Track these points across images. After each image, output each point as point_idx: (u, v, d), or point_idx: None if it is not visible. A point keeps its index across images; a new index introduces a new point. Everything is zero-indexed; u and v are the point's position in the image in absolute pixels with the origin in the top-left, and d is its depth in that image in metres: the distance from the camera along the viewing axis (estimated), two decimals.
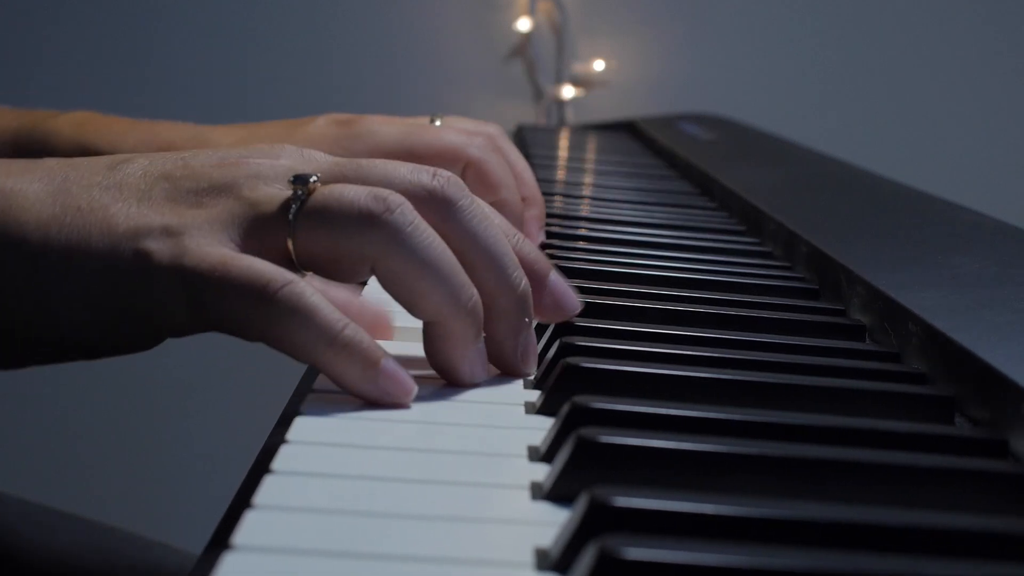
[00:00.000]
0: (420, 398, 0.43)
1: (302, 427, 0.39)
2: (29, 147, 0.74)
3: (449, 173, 0.45)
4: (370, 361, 0.41)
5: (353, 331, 0.41)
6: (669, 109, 1.66)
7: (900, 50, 1.85)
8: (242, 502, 0.33)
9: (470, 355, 0.44)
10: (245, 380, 1.79)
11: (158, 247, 0.42)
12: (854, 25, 1.86)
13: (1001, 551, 0.31)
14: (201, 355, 1.82)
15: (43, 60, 1.79)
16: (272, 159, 0.45)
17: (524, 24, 1.81)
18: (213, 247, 0.42)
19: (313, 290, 0.41)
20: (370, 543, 0.31)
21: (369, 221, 0.42)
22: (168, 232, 0.43)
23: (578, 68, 1.81)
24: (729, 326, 0.52)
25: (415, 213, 0.43)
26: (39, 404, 1.87)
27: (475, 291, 0.44)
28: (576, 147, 1.36)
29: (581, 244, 0.69)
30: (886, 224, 0.72)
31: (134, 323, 0.44)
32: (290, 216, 0.43)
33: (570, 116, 1.81)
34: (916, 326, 0.47)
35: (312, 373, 0.46)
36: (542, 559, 0.31)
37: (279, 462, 0.36)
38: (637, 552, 0.28)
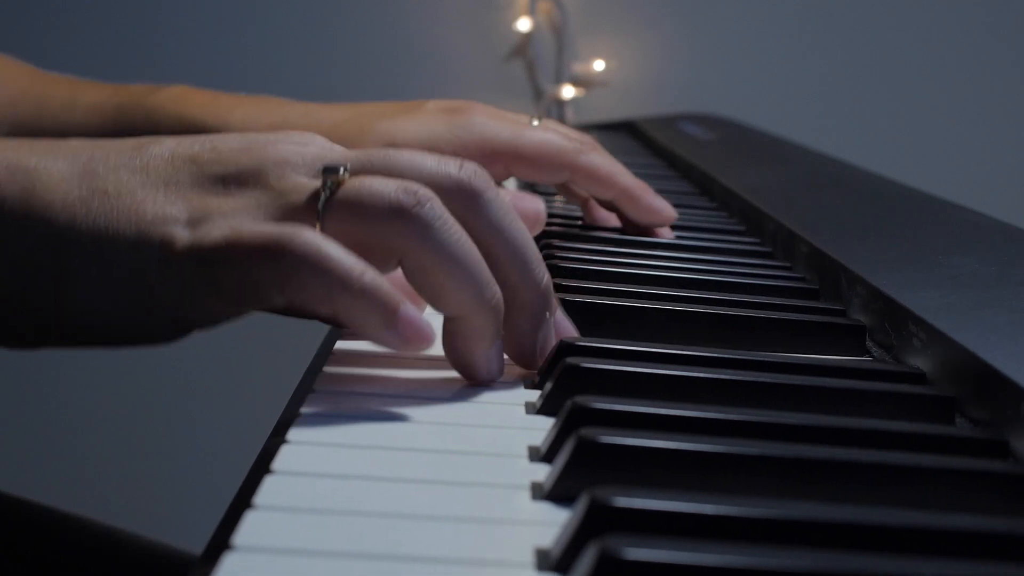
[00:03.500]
0: (420, 398, 0.43)
1: (302, 428, 0.39)
2: (132, 124, 0.74)
3: (476, 165, 0.45)
4: (390, 307, 0.41)
5: (371, 276, 0.41)
6: (669, 109, 1.66)
7: (900, 50, 1.85)
8: (242, 502, 0.33)
9: (489, 352, 0.44)
10: (245, 380, 1.79)
11: (182, 234, 0.42)
12: (854, 25, 1.85)
13: (1001, 551, 0.31)
14: (202, 355, 1.82)
15: (43, 60, 1.79)
16: (300, 146, 0.45)
17: (524, 24, 1.81)
18: (228, 227, 0.42)
19: (328, 238, 0.41)
20: (370, 543, 0.31)
21: (399, 214, 0.42)
22: (193, 221, 0.42)
23: (578, 68, 1.81)
24: (729, 326, 0.52)
25: (444, 208, 0.43)
26: (39, 404, 1.87)
27: (498, 289, 0.44)
28: None
29: (581, 244, 0.69)
30: (886, 224, 0.72)
31: (157, 312, 0.43)
32: (319, 207, 0.42)
33: (570, 116, 1.81)
34: (916, 326, 0.47)
35: (312, 373, 0.46)
36: (542, 559, 0.31)
37: (279, 462, 0.36)
38: (637, 552, 0.28)
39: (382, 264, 0.43)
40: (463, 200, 0.44)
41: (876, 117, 1.85)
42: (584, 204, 0.76)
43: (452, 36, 1.83)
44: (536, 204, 0.60)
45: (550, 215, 0.78)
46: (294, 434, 0.38)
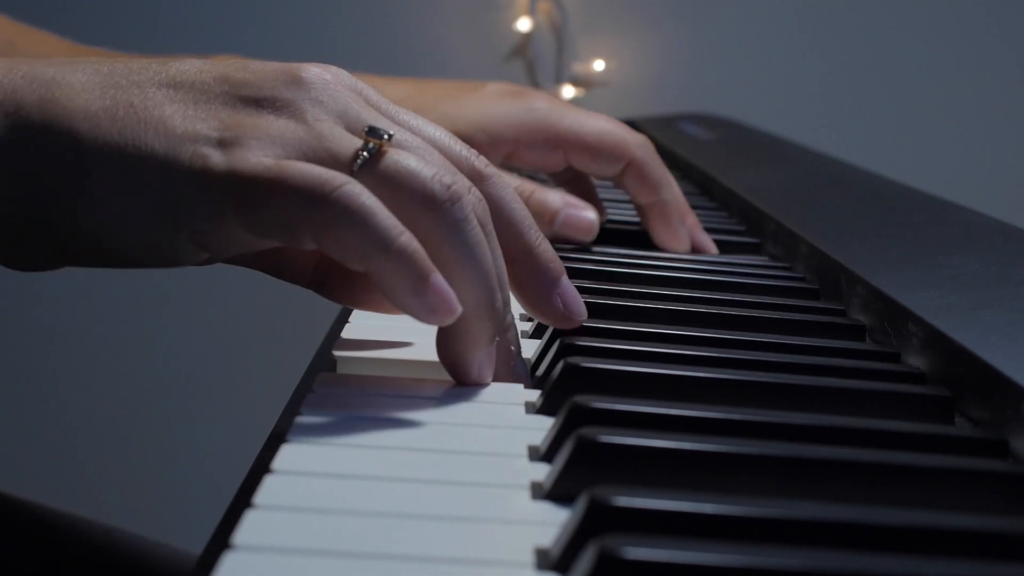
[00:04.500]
0: (420, 398, 0.43)
1: (302, 427, 0.39)
2: None
3: (478, 153, 0.46)
4: (422, 273, 0.40)
5: (408, 239, 0.40)
6: (669, 109, 1.66)
7: (900, 50, 1.85)
8: (242, 502, 0.33)
9: (483, 355, 0.44)
10: (245, 380, 1.79)
11: (215, 154, 0.41)
12: (854, 25, 1.86)
13: (1001, 551, 0.31)
14: (202, 355, 1.82)
15: None
16: (338, 96, 0.43)
17: (524, 24, 1.81)
18: (269, 157, 0.41)
19: (371, 193, 0.40)
20: (370, 543, 0.31)
21: (429, 202, 0.42)
22: (225, 141, 0.41)
23: (578, 68, 1.81)
24: (729, 326, 0.52)
25: (471, 209, 0.42)
26: (39, 404, 1.87)
27: (507, 297, 0.44)
28: None
29: (581, 244, 0.69)
30: (886, 224, 0.72)
31: (180, 234, 0.42)
32: (356, 166, 0.41)
33: None
34: (916, 326, 0.47)
35: (312, 373, 0.46)
36: (542, 559, 0.31)
37: (279, 462, 0.36)
38: (637, 552, 0.28)
39: None
40: (475, 180, 0.44)
41: (876, 117, 1.85)
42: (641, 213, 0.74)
43: (452, 36, 1.83)
44: (589, 216, 0.64)
45: None
46: (294, 434, 0.38)
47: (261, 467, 0.36)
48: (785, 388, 0.43)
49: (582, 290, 0.55)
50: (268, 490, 0.34)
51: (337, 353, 0.48)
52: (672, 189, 0.70)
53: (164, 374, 1.84)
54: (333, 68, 0.45)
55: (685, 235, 0.71)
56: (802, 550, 0.30)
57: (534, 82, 1.83)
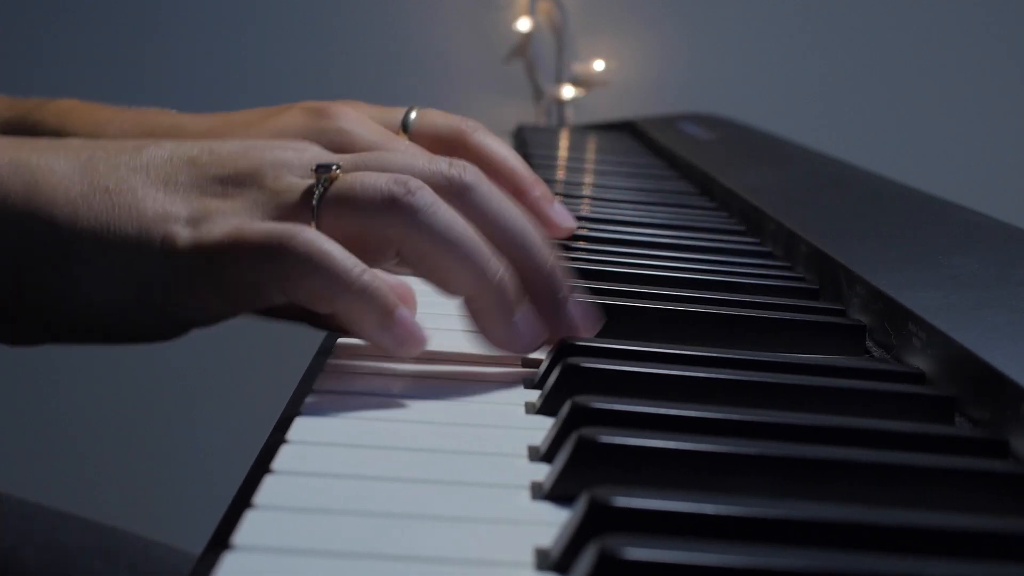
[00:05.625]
0: (420, 398, 0.43)
1: (302, 427, 0.39)
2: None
3: (465, 162, 0.46)
4: (386, 308, 0.42)
5: (371, 277, 0.42)
6: (669, 109, 1.66)
7: (900, 50, 1.85)
8: (242, 502, 0.33)
9: (515, 323, 0.45)
10: (245, 380, 1.79)
11: (183, 232, 0.43)
12: (854, 25, 1.85)
13: (1001, 551, 0.31)
14: (202, 355, 1.82)
15: (42, 57, 1.79)
16: (297, 152, 0.46)
17: (524, 24, 1.81)
18: (231, 226, 0.43)
19: (328, 238, 0.42)
20: (370, 543, 0.31)
21: (391, 204, 0.43)
22: (193, 220, 0.43)
23: (578, 68, 1.81)
24: (729, 326, 0.52)
25: (435, 195, 0.43)
26: (39, 404, 1.87)
27: (501, 264, 0.44)
28: (576, 147, 1.36)
29: (581, 244, 0.69)
30: (886, 224, 0.72)
31: (157, 309, 0.44)
32: (314, 202, 0.43)
33: (570, 116, 1.81)
34: (916, 326, 0.47)
35: (312, 373, 0.46)
36: (542, 559, 0.31)
37: (279, 462, 0.36)
38: (637, 552, 0.28)
39: (379, 256, 0.44)
40: (456, 194, 0.45)
41: (876, 117, 1.85)
42: None
43: (452, 36, 1.83)
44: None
45: None
46: (294, 434, 0.38)
47: (261, 467, 0.36)
48: (786, 388, 0.43)
49: (583, 290, 0.55)
50: (268, 490, 0.34)
51: (339, 344, 0.48)
52: (516, 159, 0.64)
53: (164, 374, 1.84)
54: (302, 141, 0.48)
55: (557, 207, 0.65)
56: (802, 550, 0.29)
57: (534, 82, 1.83)
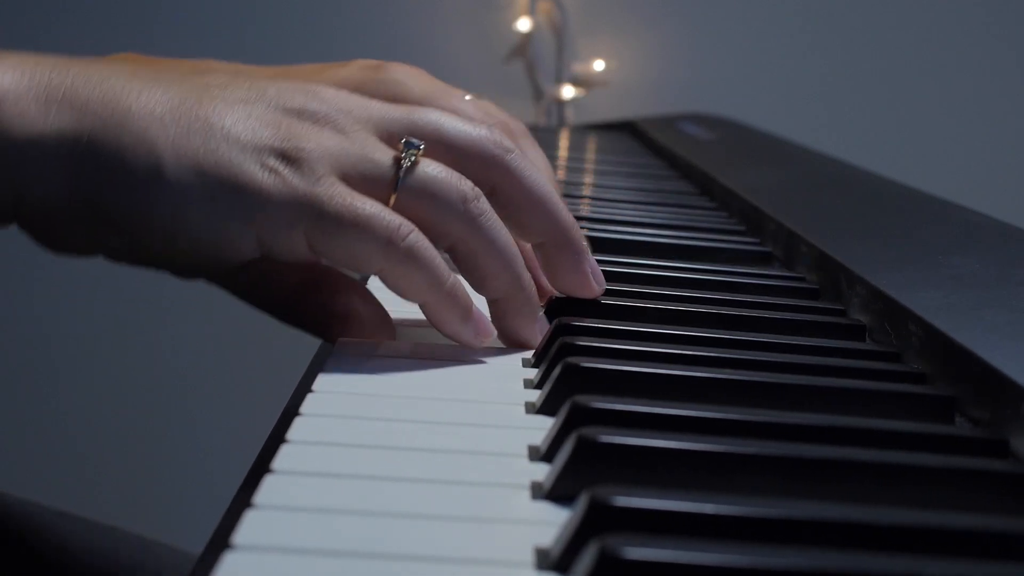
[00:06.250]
0: (420, 398, 0.43)
1: (302, 427, 0.39)
2: None
3: (499, 130, 0.50)
4: (467, 307, 0.48)
5: (456, 281, 0.48)
6: (669, 109, 1.66)
7: (900, 50, 1.86)
8: (242, 502, 0.33)
9: (537, 324, 0.51)
10: (245, 380, 1.79)
11: (286, 171, 0.45)
12: (854, 25, 1.86)
13: (1001, 551, 0.31)
14: (202, 355, 1.82)
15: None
16: (353, 98, 0.49)
17: (524, 24, 1.81)
18: (339, 186, 0.46)
19: (429, 242, 0.47)
20: (370, 543, 0.31)
21: (462, 203, 0.47)
22: (287, 154, 0.45)
23: (578, 68, 1.81)
24: (729, 326, 0.52)
25: (488, 204, 0.48)
26: (39, 404, 1.87)
27: (530, 274, 0.50)
28: (576, 147, 1.36)
29: None
30: (886, 224, 0.72)
31: (251, 230, 0.45)
32: (400, 177, 0.47)
33: (570, 116, 1.81)
34: (916, 326, 0.47)
35: (312, 373, 0.46)
36: (542, 559, 0.31)
37: (279, 462, 0.36)
38: (637, 552, 0.28)
39: (434, 243, 0.48)
40: (498, 161, 0.49)
41: (876, 117, 1.85)
42: None
43: (452, 36, 1.83)
44: None
45: None
46: (294, 433, 0.38)
47: (261, 467, 0.36)
48: (785, 388, 0.43)
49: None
50: (268, 490, 0.34)
51: (339, 345, 0.48)
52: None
53: (164, 374, 1.84)
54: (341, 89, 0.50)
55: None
56: (802, 550, 0.29)
57: (534, 82, 1.83)
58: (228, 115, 0.45)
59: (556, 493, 0.35)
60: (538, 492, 0.35)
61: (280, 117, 0.46)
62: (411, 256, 0.46)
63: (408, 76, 0.65)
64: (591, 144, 1.39)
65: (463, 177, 0.48)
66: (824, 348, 0.49)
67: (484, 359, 0.49)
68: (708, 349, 0.47)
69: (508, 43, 1.83)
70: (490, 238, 0.48)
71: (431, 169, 0.47)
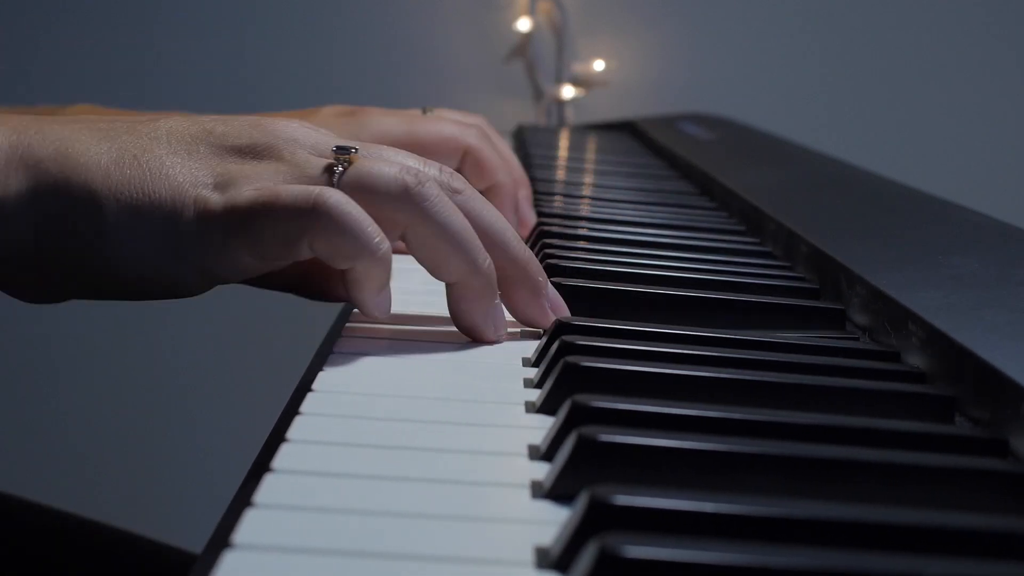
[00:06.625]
0: (419, 397, 0.43)
1: (302, 426, 0.39)
2: None
3: (451, 169, 0.51)
4: (388, 277, 0.48)
5: (388, 246, 0.47)
6: (669, 109, 1.66)
7: (900, 50, 1.85)
8: (242, 501, 0.33)
9: (491, 312, 0.50)
10: (245, 380, 1.79)
11: (213, 196, 0.46)
12: (854, 25, 1.85)
13: (1001, 551, 0.31)
14: (202, 355, 1.82)
15: (42, 60, 1.79)
16: (309, 130, 0.50)
17: (524, 24, 1.81)
18: (258, 190, 0.46)
19: (353, 201, 0.46)
20: (370, 542, 0.31)
21: (404, 191, 0.47)
22: (220, 185, 0.46)
23: (578, 68, 1.81)
24: (729, 326, 0.52)
25: (439, 187, 0.48)
26: (39, 404, 1.87)
27: (488, 255, 0.49)
28: (576, 147, 1.36)
29: (581, 244, 0.69)
30: (886, 224, 0.72)
31: (186, 267, 0.47)
32: (335, 180, 0.47)
33: (570, 116, 1.81)
34: (916, 326, 0.47)
35: (312, 373, 0.46)
36: (542, 558, 0.31)
37: (279, 461, 0.36)
38: (637, 551, 0.28)
39: (388, 237, 0.48)
40: (447, 194, 0.49)
41: (876, 117, 1.85)
42: None
43: (452, 36, 1.83)
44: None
45: (550, 215, 0.78)
46: (294, 433, 0.38)
47: (261, 466, 0.36)
48: (785, 388, 0.43)
49: (581, 289, 0.55)
50: (268, 490, 0.34)
51: (338, 345, 0.48)
52: (507, 171, 0.74)
53: (164, 374, 1.83)
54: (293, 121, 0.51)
55: (513, 221, 0.74)
56: (803, 549, 0.30)
57: (534, 82, 1.83)
58: (168, 160, 0.47)
59: (556, 492, 0.35)
60: (538, 491, 0.35)
61: (221, 155, 0.48)
62: (331, 217, 0.45)
63: (381, 121, 0.69)
64: (591, 144, 1.39)
65: (406, 166, 0.48)
66: (824, 348, 0.49)
67: (484, 359, 0.49)
68: (708, 348, 0.47)
69: (508, 43, 1.83)
70: (439, 221, 0.47)
71: (367, 164, 0.48)
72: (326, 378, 0.44)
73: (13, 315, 1.86)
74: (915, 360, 0.47)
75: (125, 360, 1.84)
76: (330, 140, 0.49)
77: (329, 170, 0.47)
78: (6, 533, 0.73)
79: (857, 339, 0.53)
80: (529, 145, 1.22)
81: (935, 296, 0.49)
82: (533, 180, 0.87)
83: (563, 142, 1.41)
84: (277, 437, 0.38)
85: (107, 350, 1.85)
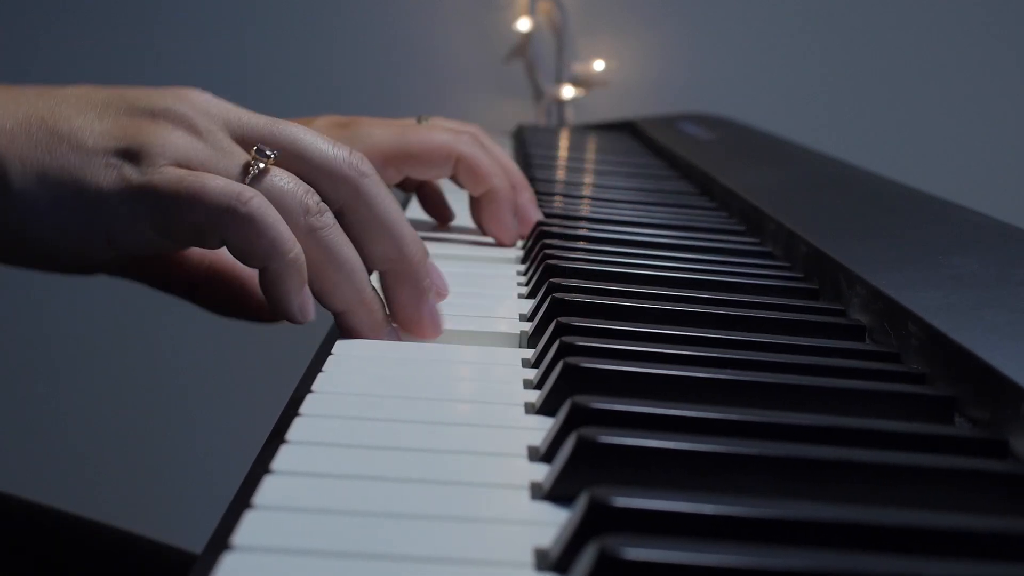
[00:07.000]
0: (419, 398, 0.43)
1: (302, 427, 0.39)
2: None
3: (361, 154, 0.51)
4: (303, 280, 0.48)
5: (300, 251, 0.47)
6: (669, 109, 1.66)
7: (900, 50, 1.85)
8: (242, 502, 0.33)
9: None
10: (245, 380, 1.79)
11: (127, 167, 0.46)
12: (854, 25, 1.86)
13: (1001, 551, 0.31)
14: (202, 355, 1.82)
15: (42, 60, 1.79)
16: (216, 104, 0.49)
17: (524, 24, 1.81)
18: (175, 170, 0.46)
19: (274, 209, 0.47)
20: (370, 543, 0.31)
21: (303, 214, 0.48)
22: (132, 152, 0.46)
23: (578, 68, 1.81)
24: (728, 326, 0.52)
25: (332, 218, 0.49)
26: (39, 404, 1.87)
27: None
28: (576, 147, 1.36)
29: (581, 244, 0.69)
30: (886, 224, 0.72)
31: (97, 231, 0.47)
32: (247, 179, 0.48)
33: (570, 116, 1.81)
34: (916, 326, 0.47)
35: (311, 373, 0.46)
36: (542, 559, 0.31)
37: (279, 462, 0.36)
38: (637, 552, 0.28)
39: None
40: (350, 182, 0.50)
41: (876, 117, 1.85)
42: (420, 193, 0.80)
43: (452, 36, 1.83)
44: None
45: (550, 215, 0.78)
46: (293, 434, 0.38)
47: (261, 467, 0.36)
48: (785, 388, 0.43)
49: (580, 290, 0.55)
50: (268, 490, 0.34)
51: (338, 346, 0.49)
52: (502, 176, 0.73)
53: (164, 374, 1.83)
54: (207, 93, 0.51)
55: (512, 225, 0.74)
56: (802, 550, 0.29)
57: (534, 82, 1.83)
58: (77, 122, 0.47)
59: (555, 493, 0.35)
60: (538, 492, 0.35)
61: (132, 119, 0.47)
62: (252, 220, 0.46)
63: (372, 132, 0.69)
64: (591, 144, 1.39)
65: (311, 190, 0.48)
66: (824, 348, 0.49)
67: (484, 360, 0.49)
68: (708, 349, 0.47)
69: (508, 43, 1.83)
70: (331, 250, 0.48)
71: (278, 178, 0.48)
72: (325, 379, 0.44)
73: (13, 315, 1.86)
74: (914, 360, 0.47)
75: (125, 360, 1.84)
76: (247, 121, 0.49)
77: (246, 169, 0.48)
78: (6, 533, 0.73)
79: (862, 329, 0.53)
80: (529, 145, 1.22)
81: (935, 296, 0.49)
82: (533, 180, 0.87)
83: (563, 142, 1.41)
84: (277, 438, 0.38)
85: (107, 350, 1.85)
